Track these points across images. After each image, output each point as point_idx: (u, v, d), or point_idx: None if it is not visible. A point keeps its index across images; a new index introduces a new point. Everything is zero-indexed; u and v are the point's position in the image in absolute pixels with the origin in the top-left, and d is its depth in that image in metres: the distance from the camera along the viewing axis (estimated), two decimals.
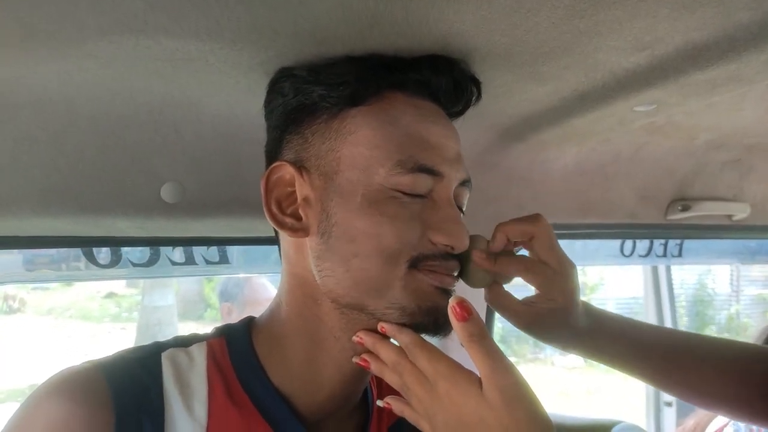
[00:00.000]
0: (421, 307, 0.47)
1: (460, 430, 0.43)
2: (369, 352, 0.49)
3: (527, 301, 0.56)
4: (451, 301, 0.44)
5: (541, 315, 0.56)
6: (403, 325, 0.47)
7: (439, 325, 0.48)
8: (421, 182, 0.47)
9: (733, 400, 0.66)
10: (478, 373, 0.44)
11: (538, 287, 0.56)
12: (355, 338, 0.49)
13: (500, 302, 0.56)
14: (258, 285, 1.79)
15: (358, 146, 0.48)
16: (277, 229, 0.50)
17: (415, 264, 0.47)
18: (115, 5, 0.41)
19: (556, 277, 0.55)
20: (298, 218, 0.50)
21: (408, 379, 0.46)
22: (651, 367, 0.66)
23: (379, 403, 0.50)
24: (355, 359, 0.49)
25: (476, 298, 0.53)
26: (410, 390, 0.46)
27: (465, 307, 0.44)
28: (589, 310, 0.62)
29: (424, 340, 0.47)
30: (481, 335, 0.43)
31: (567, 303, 0.56)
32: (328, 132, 0.49)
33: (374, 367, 0.49)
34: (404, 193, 0.47)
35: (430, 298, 0.48)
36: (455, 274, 0.50)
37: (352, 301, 0.48)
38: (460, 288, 0.51)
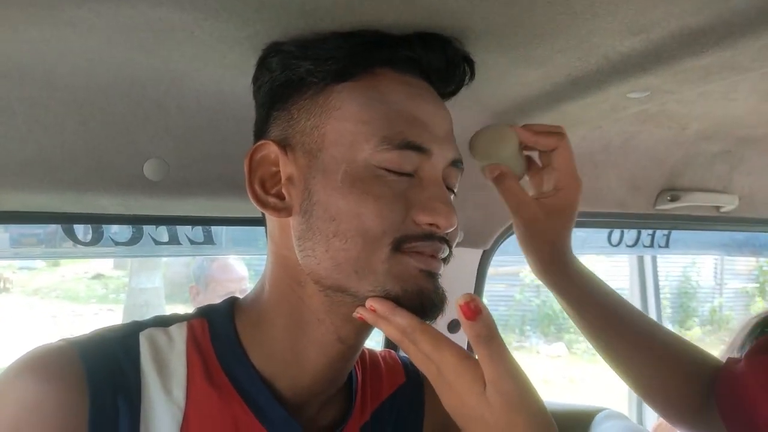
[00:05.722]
0: (407, 291, 0.45)
1: (460, 416, 0.45)
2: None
3: (536, 195, 0.62)
4: (460, 300, 0.42)
5: (544, 215, 0.60)
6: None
7: (426, 310, 0.46)
8: (408, 159, 0.46)
9: (676, 401, 0.68)
10: None
11: (555, 180, 0.61)
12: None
13: (512, 190, 0.60)
14: (223, 265, 1.75)
15: (344, 122, 0.46)
16: (260, 209, 0.49)
17: (398, 246, 0.45)
18: None
19: (571, 183, 0.60)
20: (282, 198, 0.48)
21: (416, 358, 0.45)
22: (617, 345, 0.66)
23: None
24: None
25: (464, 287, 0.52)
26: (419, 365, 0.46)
27: (474, 307, 0.42)
28: (579, 264, 0.64)
29: (424, 323, 0.45)
30: (489, 336, 0.42)
31: (569, 211, 0.61)
32: (313, 108, 0.47)
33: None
34: (390, 171, 0.45)
35: (415, 282, 0.45)
36: (442, 256, 0.48)
37: (334, 282, 0.46)
38: (447, 277, 0.50)
